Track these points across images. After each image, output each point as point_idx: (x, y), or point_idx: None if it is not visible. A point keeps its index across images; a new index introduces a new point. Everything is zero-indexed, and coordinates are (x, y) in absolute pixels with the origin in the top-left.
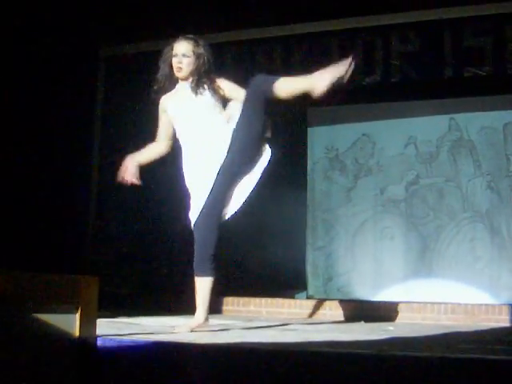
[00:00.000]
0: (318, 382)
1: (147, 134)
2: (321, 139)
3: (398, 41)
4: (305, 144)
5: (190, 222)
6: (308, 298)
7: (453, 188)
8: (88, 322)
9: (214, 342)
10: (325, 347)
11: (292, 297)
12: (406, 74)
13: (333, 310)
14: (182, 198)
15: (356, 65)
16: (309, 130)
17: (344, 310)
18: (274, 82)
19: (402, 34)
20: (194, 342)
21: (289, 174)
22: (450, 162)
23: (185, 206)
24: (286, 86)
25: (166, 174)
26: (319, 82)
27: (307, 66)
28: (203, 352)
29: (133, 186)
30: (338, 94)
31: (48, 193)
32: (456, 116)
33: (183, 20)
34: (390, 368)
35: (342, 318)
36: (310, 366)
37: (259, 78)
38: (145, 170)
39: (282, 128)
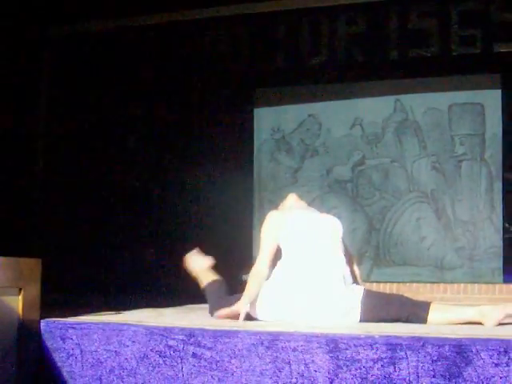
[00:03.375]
0: None
1: (94, 116)
2: (267, 120)
3: (344, 22)
4: (251, 125)
5: None
6: None
7: (398, 169)
8: (31, 305)
9: (158, 325)
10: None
11: (239, 278)
12: (352, 55)
13: None
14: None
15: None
16: (255, 111)
17: None
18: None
19: (347, 15)
20: (139, 323)
21: (235, 155)
22: (396, 142)
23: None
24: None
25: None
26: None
27: (253, 47)
28: (146, 333)
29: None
30: None
31: None
32: (401, 97)
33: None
34: (336, 346)
35: None
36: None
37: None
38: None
39: (228, 109)
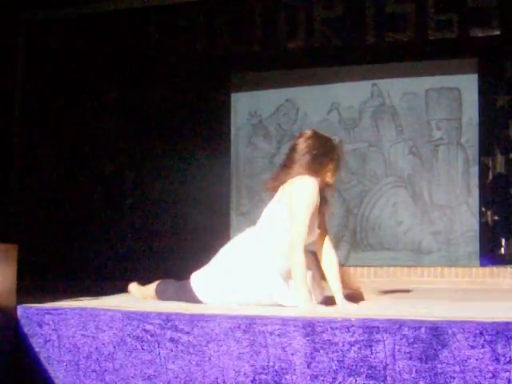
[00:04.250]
0: None
1: (70, 102)
2: (244, 105)
3: (320, 6)
4: (228, 110)
5: None
6: None
7: (375, 153)
8: (7, 291)
9: (135, 309)
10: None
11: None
12: (329, 40)
13: None
14: None
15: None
16: (232, 95)
17: None
18: None
19: None
20: (116, 308)
21: (212, 140)
22: (373, 127)
23: None
24: None
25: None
26: None
27: (229, 31)
28: (125, 318)
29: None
30: None
31: None
32: (378, 82)
33: None
34: (312, 329)
35: None
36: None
37: None
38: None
39: (205, 94)
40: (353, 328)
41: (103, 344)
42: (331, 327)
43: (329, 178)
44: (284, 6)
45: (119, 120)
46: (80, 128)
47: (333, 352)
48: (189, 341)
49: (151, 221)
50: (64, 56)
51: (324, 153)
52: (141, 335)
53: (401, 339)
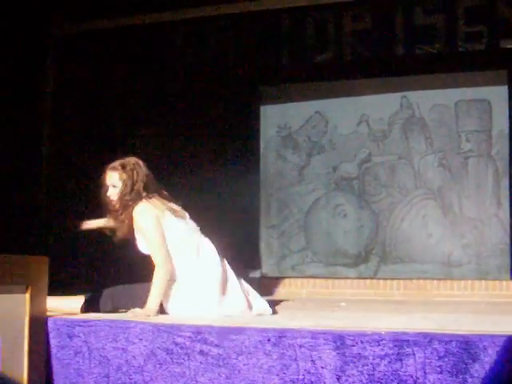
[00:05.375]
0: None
1: (98, 116)
2: (273, 117)
3: (349, 18)
4: (257, 122)
5: None
6: (262, 276)
7: (405, 165)
8: (38, 303)
9: (165, 322)
10: (280, 323)
11: (246, 275)
12: (358, 52)
13: (286, 288)
14: None
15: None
16: (261, 108)
17: (298, 287)
18: None
19: (353, 11)
20: (146, 320)
21: (241, 152)
22: (402, 139)
23: None
24: None
25: None
26: None
27: (259, 44)
28: (155, 331)
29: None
30: None
31: None
32: (408, 94)
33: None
34: (343, 341)
35: (296, 296)
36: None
37: None
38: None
39: (235, 106)
40: (383, 341)
41: (133, 356)
42: (361, 340)
43: None
44: (313, 18)
45: (149, 132)
46: (110, 140)
47: (362, 365)
48: (218, 353)
49: None
50: (93, 69)
51: None
52: (171, 348)
53: (431, 353)
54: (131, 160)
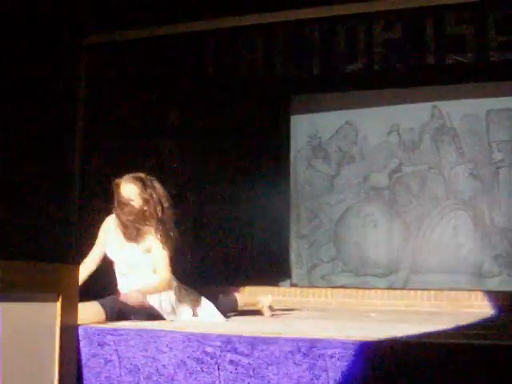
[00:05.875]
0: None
1: (131, 125)
2: (304, 127)
3: (380, 28)
4: (288, 132)
5: None
6: (292, 285)
7: (436, 175)
8: (69, 311)
9: (196, 331)
10: (309, 333)
11: (276, 285)
12: (389, 62)
13: (316, 298)
14: None
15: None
16: (292, 118)
17: (328, 297)
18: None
19: (384, 21)
20: (177, 330)
21: (272, 162)
22: (433, 149)
23: None
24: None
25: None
26: None
27: (290, 55)
28: (185, 340)
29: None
30: None
31: (29, 180)
32: (439, 103)
33: (164, 7)
34: (373, 353)
35: (326, 306)
36: (290, 351)
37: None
38: None
39: (265, 116)
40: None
41: (163, 365)
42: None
43: None
44: (343, 28)
45: (180, 143)
46: (141, 151)
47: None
48: (249, 363)
49: (211, 243)
50: (124, 79)
51: None
52: (201, 357)
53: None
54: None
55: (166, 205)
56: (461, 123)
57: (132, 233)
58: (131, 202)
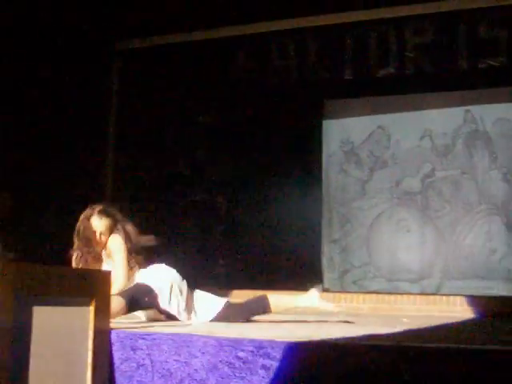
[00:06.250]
0: (333, 373)
1: (162, 128)
2: (336, 132)
3: (412, 32)
4: (320, 137)
5: None
6: (324, 290)
7: (468, 180)
8: (101, 315)
9: (225, 336)
10: (341, 339)
11: (308, 290)
12: (421, 66)
13: (348, 303)
14: None
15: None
16: (324, 122)
17: (359, 302)
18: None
19: (416, 25)
20: (209, 334)
21: (304, 167)
22: (466, 154)
23: None
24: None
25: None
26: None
27: (321, 60)
28: (218, 345)
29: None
30: None
31: (61, 183)
32: (471, 108)
33: (195, 13)
34: (403, 358)
35: (358, 311)
36: (326, 357)
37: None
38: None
39: (298, 121)
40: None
41: (196, 370)
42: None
43: None
44: (375, 32)
45: (211, 148)
46: (172, 153)
47: None
48: (280, 368)
49: (243, 247)
50: (156, 83)
51: None
52: (233, 362)
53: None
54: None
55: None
56: (493, 127)
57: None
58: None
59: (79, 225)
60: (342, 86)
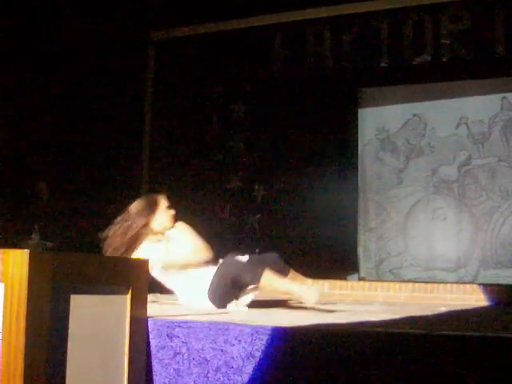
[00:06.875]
0: (367, 360)
1: (196, 117)
2: (371, 120)
3: (448, 19)
4: (355, 125)
5: None
6: (360, 279)
7: (505, 168)
8: (138, 303)
9: (261, 324)
10: (377, 327)
11: (344, 278)
12: (457, 53)
13: (384, 292)
14: None
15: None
16: (359, 111)
17: (396, 291)
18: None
19: (452, 12)
20: (245, 322)
21: (339, 155)
22: (503, 141)
23: None
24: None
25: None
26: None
27: (357, 48)
28: (254, 333)
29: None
30: None
31: (98, 173)
32: (508, 95)
33: (230, 2)
34: (439, 347)
35: (394, 300)
36: (362, 346)
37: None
38: None
39: (333, 109)
40: None
41: (232, 358)
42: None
43: None
44: (411, 20)
45: (247, 135)
46: (208, 142)
47: None
48: (314, 356)
49: (279, 235)
50: (191, 73)
51: None
52: (269, 350)
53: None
54: None
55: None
56: None
57: None
58: None
59: (145, 201)
60: (378, 74)
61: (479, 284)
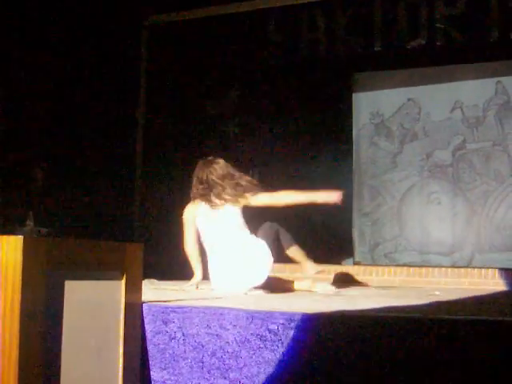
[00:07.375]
0: (368, 345)
1: (191, 105)
2: (366, 105)
3: (442, 3)
4: (350, 110)
5: None
6: (355, 264)
7: (500, 152)
8: (133, 289)
9: (258, 309)
10: (372, 312)
11: (339, 263)
12: (451, 37)
13: (379, 276)
14: None
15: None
16: (354, 95)
17: (391, 275)
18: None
19: None
20: (239, 306)
21: (334, 140)
22: (497, 126)
23: None
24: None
25: None
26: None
27: (351, 32)
28: (249, 317)
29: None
30: None
31: (93, 158)
32: (503, 79)
33: None
34: (435, 331)
35: (389, 284)
36: (357, 329)
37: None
38: None
39: (327, 94)
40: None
41: (227, 342)
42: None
43: None
44: (405, 4)
45: (241, 123)
46: (203, 131)
47: None
48: (311, 341)
49: (274, 220)
50: (185, 57)
51: None
52: (264, 334)
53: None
54: None
55: None
56: None
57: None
58: None
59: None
60: (372, 59)
61: (474, 268)
